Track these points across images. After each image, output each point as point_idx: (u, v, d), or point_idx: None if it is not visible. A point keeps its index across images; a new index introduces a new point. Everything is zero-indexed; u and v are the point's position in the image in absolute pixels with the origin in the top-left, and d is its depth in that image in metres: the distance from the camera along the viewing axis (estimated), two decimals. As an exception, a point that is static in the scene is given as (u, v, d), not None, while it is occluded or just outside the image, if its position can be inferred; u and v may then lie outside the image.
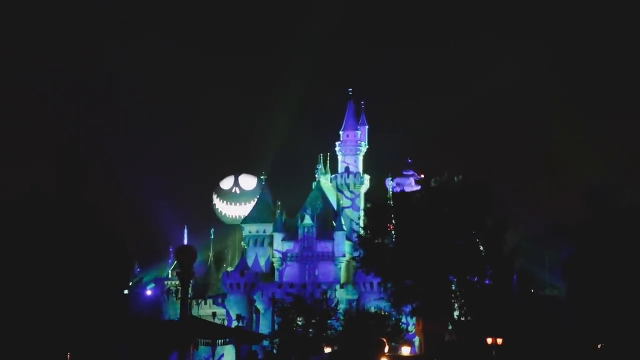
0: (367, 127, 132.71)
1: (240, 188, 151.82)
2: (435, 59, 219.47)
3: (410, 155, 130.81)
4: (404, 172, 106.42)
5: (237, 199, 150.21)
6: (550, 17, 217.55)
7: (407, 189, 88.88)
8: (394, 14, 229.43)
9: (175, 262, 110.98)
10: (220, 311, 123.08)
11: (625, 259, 60.89)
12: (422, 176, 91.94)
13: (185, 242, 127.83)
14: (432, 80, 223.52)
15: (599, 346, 65.35)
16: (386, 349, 73.63)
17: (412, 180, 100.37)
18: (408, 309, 74.37)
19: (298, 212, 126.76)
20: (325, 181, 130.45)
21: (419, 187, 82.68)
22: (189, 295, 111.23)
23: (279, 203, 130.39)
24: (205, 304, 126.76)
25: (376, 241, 72.24)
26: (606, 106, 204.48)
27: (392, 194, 77.01)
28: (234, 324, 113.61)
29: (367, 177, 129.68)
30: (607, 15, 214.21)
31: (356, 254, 78.29)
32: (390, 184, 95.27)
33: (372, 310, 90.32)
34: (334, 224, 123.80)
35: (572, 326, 64.32)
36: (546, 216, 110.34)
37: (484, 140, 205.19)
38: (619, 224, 62.94)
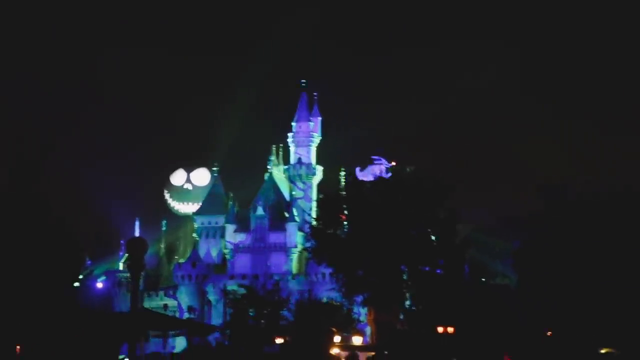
0: (320, 118, 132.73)
1: (192, 184, 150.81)
2: (393, 56, 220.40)
3: (359, 148, 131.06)
4: (375, 160, 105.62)
5: (189, 196, 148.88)
6: (503, 18, 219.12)
7: (373, 177, 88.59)
8: (351, 10, 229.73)
9: (126, 254, 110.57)
10: (172, 303, 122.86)
11: (574, 249, 61.46)
12: (394, 163, 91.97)
13: (137, 234, 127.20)
14: (388, 76, 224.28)
15: (548, 333, 65.90)
16: (337, 339, 73.69)
17: (382, 168, 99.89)
18: (360, 299, 74.53)
19: (250, 204, 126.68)
20: (277, 172, 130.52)
21: (389, 175, 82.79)
22: (140, 288, 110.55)
23: (231, 194, 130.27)
24: (157, 295, 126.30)
25: (328, 232, 72.30)
26: (558, 102, 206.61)
27: (344, 184, 76.82)
28: (186, 315, 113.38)
29: (319, 168, 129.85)
30: (561, 18, 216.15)
31: (308, 244, 78.32)
32: (360, 173, 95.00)
33: (324, 300, 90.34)
34: (286, 215, 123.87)
35: (522, 314, 64.83)
36: (498, 208, 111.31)
37: (438, 134, 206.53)
38: (568, 216, 63.49)
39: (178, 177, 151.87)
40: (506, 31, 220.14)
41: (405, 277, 69.63)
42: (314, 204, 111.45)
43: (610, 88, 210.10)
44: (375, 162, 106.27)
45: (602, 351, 61.28)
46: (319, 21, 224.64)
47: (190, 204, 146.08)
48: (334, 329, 73.18)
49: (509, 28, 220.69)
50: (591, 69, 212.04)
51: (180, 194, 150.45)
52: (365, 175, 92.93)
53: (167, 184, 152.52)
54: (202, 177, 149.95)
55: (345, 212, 72.06)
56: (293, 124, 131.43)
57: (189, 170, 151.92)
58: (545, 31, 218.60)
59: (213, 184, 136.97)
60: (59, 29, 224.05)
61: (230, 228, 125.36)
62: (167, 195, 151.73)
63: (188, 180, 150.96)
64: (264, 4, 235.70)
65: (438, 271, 70.12)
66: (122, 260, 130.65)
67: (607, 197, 62.95)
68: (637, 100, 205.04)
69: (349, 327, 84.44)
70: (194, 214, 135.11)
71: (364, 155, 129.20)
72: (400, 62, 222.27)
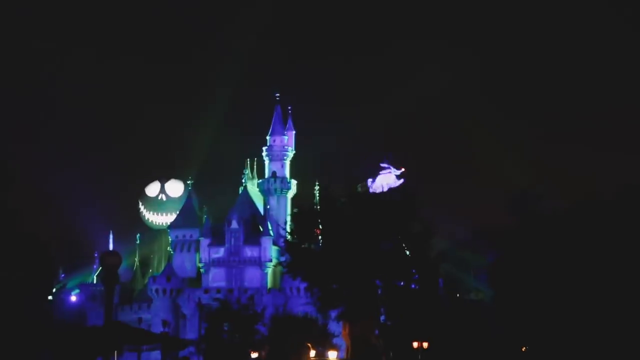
0: (294, 132, 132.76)
1: (166, 195, 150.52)
2: (364, 66, 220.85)
3: (332, 161, 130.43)
4: (384, 168, 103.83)
5: (163, 207, 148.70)
6: (476, 24, 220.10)
7: (387, 186, 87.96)
8: (321, 19, 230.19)
9: (100, 267, 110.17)
10: (146, 317, 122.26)
11: (549, 263, 61.61)
12: (403, 170, 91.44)
13: (111, 247, 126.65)
14: (360, 87, 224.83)
15: (523, 349, 66.06)
16: (312, 353, 73.59)
17: (392, 176, 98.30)
18: (335, 313, 74.42)
19: (225, 218, 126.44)
20: (252, 186, 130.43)
21: (401, 181, 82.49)
22: (115, 301, 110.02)
23: (205, 208, 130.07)
24: (131, 309, 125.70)
25: (303, 246, 72.19)
26: (531, 114, 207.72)
27: (318, 198, 76.69)
28: (160, 329, 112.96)
29: (294, 182, 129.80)
30: (533, 22, 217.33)
31: (283, 259, 78.13)
32: (371, 184, 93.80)
33: (299, 315, 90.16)
34: (261, 229, 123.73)
35: (497, 329, 64.95)
36: (472, 222, 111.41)
37: (411, 147, 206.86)
38: (542, 230, 63.64)
39: (152, 189, 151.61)
40: (472, 36, 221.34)
41: (380, 291, 69.62)
42: (289, 218, 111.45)
43: (584, 97, 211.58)
44: (384, 170, 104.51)
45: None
46: (289, 31, 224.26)
47: (164, 214, 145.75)
48: (308, 344, 73.10)
49: (474, 32, 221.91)
50: (560, 81, 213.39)
51: (155, 204, 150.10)
52: (378, 186, 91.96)
53: (141, 195, 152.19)
54: (176, 188, 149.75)
55: (320, 226, 72.00)
56: (267, 137, 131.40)
57: (163, 181, 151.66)
58: (509, 39, 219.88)
59: (187, 197, 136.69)
60: (26, 33, 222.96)
61: (204, 242, 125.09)
62: (141, 207, 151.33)
63: (162, 191, 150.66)
64: (229, 13, 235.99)
65: (413, 286, 70.15)
66: (96, 273, 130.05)
67: (581, 210, 63.15)
68: (609, 110, 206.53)
69: (324, 341, 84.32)
70: (168, 227, 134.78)
71: (338, 168, 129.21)
72: (362, 67, 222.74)
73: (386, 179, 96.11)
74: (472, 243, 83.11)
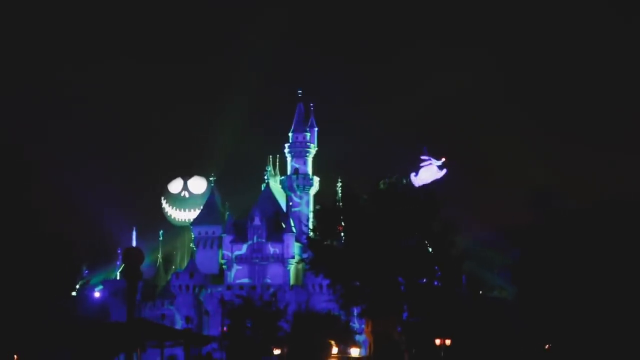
0: (316, 129, 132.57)
1: (189, 192, 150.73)
2: (386, 64, 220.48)
3: (354, 158, 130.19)
4: (424, 160, 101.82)
5: (186, 203, 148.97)
6: (497, 25, 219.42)
7: (431, 178, 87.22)
8: (343, 18, 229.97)
9: (123, 264, 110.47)
10: (169, 313, 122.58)
11: (572, 261, 61.32)
12: (444, 160, 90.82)
13: (134, 243, 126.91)
14: (383, 84, 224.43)
15: (547, 347, 65.77)
16: (334, 350, 73.60)
17: (434, 167, 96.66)
18: (357, 310, 74.33)
19: (247, 214, 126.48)
20: (274, 183, 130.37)
21: (444, 172, 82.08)
22: (138, 297, 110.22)
23: (228, 205, 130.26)
24: (154, 305, 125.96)
25: (325, 243, 72.13)
26: (552, 114, 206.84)
27: (341, 195, 76.47)
28: (183, 326, 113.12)
29: (316, 179, 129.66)
30: (553, 23, 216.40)
31: (305, 255, 78.04)
32: (415, 179, 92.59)
33: (321, 312, 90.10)
34: (283, 225, 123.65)
35: (520, 327, 64.67)
36: (495, 220, 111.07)
37: (431, 146, 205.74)
38: (565, 228, 63.35)
39: (175, 185, 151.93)
40: (492, 37, 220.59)
41: (402, 288, 69.49)
42: (311, 215, 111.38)
43: (604, 97, 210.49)
44: (425, 162, 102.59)
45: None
46: (310, 29, 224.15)
47: (187, 211, 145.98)
48: (330, 341, 73.05)
49: (495, 33, 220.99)
50: (583, 78, 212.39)
51: (178, 201, 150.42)
52: (422, 179, 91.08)
53: (164, 191, 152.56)
54: (199, 185, 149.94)
55: (342, 223, 71.89)
56: (290, 134, 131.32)
57: (185, 178, 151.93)
58: (533, 39, 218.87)
59: (210, 194, 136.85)
60: (51, 36, 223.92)
61: (227, 238, 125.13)
62: (164, 203, 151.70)
63: (185, 188, 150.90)
64: (252, 12, 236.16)
65: (435, 283, 69.99)
66: (119, 269, 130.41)
67: (604, 208, 62.83)
68: (630, 110, 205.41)
69: (347, 338, 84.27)
70: (191, 224, 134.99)
71: (360, 165, 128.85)
72: (392, 66, 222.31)
73: (429, 171, 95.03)
74: (495, 241, 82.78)
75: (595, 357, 60.68)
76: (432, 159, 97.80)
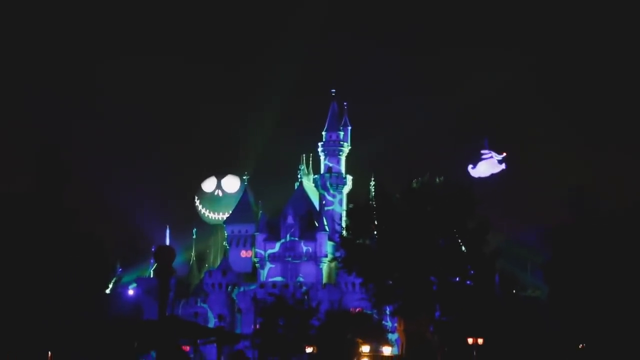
0: (349, 128, 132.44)
1: (222, 191, 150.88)
2: (421, 63, 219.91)
3: (388, 157, 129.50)
4: (483, 154, 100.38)
5: (219, 204, 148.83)
6: (533, 25, 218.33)
7: (490, 171, 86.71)
8: (378, 17, 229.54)
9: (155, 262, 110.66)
10: (202, 311, 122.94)
11: (606, 261, 60.99)
12: (504, 154, 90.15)
13: (168, 242, 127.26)
14: (417, 83, 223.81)
15: (580, 346, 65.42)
16: (366, 349, 73.48)
17: (494, 161, 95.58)
18: (390, 309, 74.23)
19: (280, 213, 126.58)
20: (307, 182, 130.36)
21: (503, 167, 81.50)
22: (171, 295, 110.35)
23: (261, 203, 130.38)
24: (187, 303, 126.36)
25: (358, 242, 72.13)
26: (589, 112, 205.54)
27: (373, 194, 76.45)
28: (215, 324, 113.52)
29: (349, 178, 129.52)
30: (588, 23, 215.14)
31: (338, 254, 78.02)
32: (472, 171, 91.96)
33: (353, 310, 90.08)
34: (316, 224, 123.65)
35: (554, 326, 64.37)
36: (529, 219, 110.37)
37: (468, 144, 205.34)
38: (600, 228, 63.03)
39: (209, 184, 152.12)
40: (527, 38, 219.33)
41: (435, 287, 69.35)
42: (344, 214, 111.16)
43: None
44: (484, 156, 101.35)
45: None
46: (341, 27, 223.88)
47: (220, 213, 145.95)
48: (359, 340, 72.93)
49: (530, 34, 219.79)
50: (613, 78, 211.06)
51: (211, 200, 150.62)
52: (480, 172, 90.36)
53: (198, 190, 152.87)
54: (232, 184, 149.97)
55: (375, 222, 71.87)
56: (323, 133, 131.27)
57: (219, 177, 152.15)
58: (567, 39, 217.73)
59: (243, 193, 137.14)
60: (86, 34, 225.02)
61: (260, 237, 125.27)
62: (197, 202, 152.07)
63: (219, 187, 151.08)
64: (284, 12, 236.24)
65: (468, 282, 69.81)
66: (153, 267, 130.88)
67: (638, 209, 62.46)
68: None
69: (379, 337, 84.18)
70: (224, 222, 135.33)
71: (394, 164, 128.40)
72: (425, 65, 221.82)
73: (489, 165, 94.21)
74: (529, 240, 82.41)
75: (629, 358, 60.31)
76: (493, 152, 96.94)
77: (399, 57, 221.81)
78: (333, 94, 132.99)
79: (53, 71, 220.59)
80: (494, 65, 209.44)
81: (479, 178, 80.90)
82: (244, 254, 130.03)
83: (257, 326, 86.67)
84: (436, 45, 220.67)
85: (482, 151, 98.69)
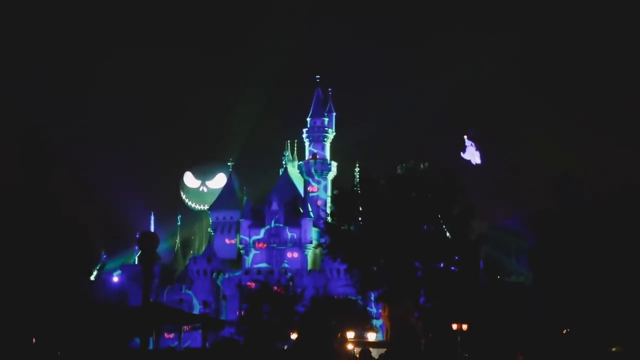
0: (334, 114, 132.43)
1: (207, 187, 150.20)
2: (405, 50, 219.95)
3: (372, 143, 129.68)
4: (466, 145, 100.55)
5: (204, 199, 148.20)
6: (516, 10, 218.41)
7: (474, 160, 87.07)
8: (362, 4, 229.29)
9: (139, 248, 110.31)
10: (187, 297, 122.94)
11: (590, 247, 61.13)
12: (481, 153, 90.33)
13: (152, 228, 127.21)
14: (401, 70, 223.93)
15: (564, 331, 65.60)
16: (351, 335, 73.54)
17: (473, 150, 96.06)
18: (374, 295, 74.26)
19: (265, 199, 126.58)
20: (292, 168, 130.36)
21: (479, 161, 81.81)
22: (156, 282, 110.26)
23: (246, 190, 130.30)
24: (172, 290, 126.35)
25: (343, 228, 72.09)
26: (572, 99, 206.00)
27: (358, 180, 76.43)
28: (200, 310, 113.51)
29: (334, 164, 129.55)
30: (575, 12, 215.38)
31: (323, 240, 78.01)
32: (464, 155, 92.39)
33: (338, 296, 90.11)
34: (301, 210, 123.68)
35: (538, 312, 64.53)
36: (513, 206, 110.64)
37: (452, 130, 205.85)
38: (583, 214, 63.16)
39: (193, 181, 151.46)
40: (512, 25, 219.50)
41: (419, 273, 69.40)
42: (329, 200, 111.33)
43: (626, 84, 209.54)
44: (467, 145, 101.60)
45: (613, 349, 61.09)
46: (325, 12, 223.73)
47: (205, 205, 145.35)
48: (341, 325, 72.89)
49: (514, 20, 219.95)
50: (596, 66, 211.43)
51: (196, 194, 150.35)
52: (469, 155, 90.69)
53: (182, 185, 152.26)
54: (217, 181, 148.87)
55: (360, 208, 71.82)
56: (308, 119, 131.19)
57: (204, 176, 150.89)
58: (553, 27, 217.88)
59: (228, 179, 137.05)
60: (65, 27, 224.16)
61: (245, 223, 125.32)
62: (183, 196, 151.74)
63: (203, 184, 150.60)
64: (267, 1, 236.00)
65: (453, 268, 69.87)
66: (137, 254, 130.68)
67: (622, 195, 62.60)
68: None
69: (364, 323, 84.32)
70: (209, 209, 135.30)
71: (378, 150, 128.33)
72: (408, 54, 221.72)
73: (470, 155, 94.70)
74: (513, 226, 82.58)
75: (612, 342, 60.56)
76: (473, 144, 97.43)
77: (384, 44, 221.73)
78: (317, 80, 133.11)
79: (38, 59, 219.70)
80: (479, 51, 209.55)
81: (468, 162, 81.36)
82: (228, 241, 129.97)
83: (242, 313, 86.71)
84: (421, 32, 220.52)
85: (467, 140, 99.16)
